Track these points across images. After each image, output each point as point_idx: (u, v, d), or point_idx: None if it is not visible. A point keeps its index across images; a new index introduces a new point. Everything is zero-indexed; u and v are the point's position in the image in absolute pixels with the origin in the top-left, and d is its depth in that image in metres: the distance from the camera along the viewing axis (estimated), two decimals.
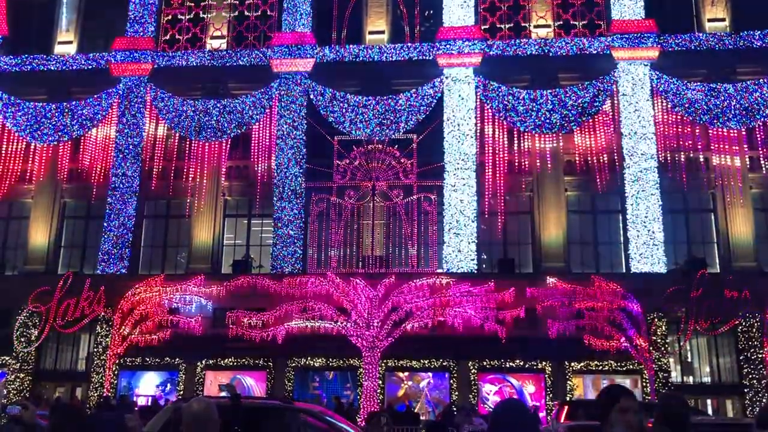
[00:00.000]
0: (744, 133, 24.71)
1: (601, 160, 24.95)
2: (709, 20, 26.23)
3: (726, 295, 21.74)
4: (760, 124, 24.64)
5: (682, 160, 24.72)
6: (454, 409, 21.87)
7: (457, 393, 22.81)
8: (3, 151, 27.10)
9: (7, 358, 24.41)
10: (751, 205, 24.59)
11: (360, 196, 25.61)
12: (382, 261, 24.91)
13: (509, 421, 3.42)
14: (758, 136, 24.82)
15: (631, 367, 22.52)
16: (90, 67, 27.51)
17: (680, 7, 26.75)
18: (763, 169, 24.56)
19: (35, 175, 27.13)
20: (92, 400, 22.76)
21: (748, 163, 24.83)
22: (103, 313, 23.91)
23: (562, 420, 16.65)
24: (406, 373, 23.68)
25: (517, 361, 22.94)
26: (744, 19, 25.77)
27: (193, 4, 28.37)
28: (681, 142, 24.85)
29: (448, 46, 25.89)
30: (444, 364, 23.24)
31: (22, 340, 24.31)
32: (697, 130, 24.91)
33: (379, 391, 22.72)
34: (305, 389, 23.76)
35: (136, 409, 19.42)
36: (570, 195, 25.55)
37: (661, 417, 4.42)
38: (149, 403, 22.67)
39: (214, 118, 25.98)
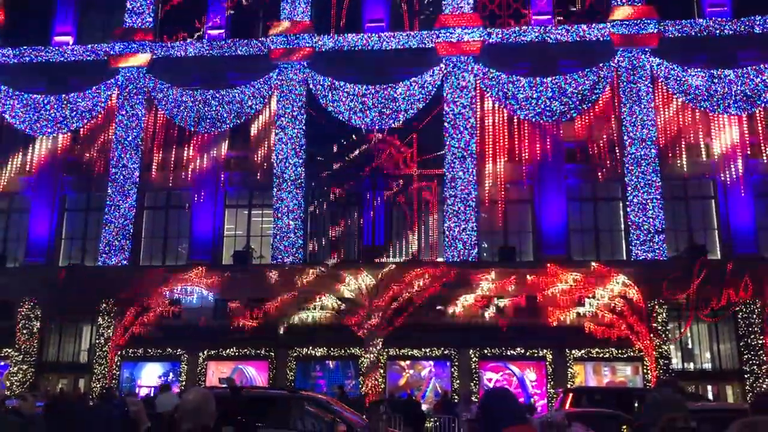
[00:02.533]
0: (745, 119, 24.63)
1: (602, 148, 24.89)
2: (710, 5, 26.06)
3: (727, 281, 21.76)
4: (761, 110, 24.55)
5: (683, 146, 24.65)
6: (456, 397, 21.98)
7: (458, 381, 22.89)
8: (2, 144, 27.08)
9: (9, 350, 24.50)
10: (752, 191, 24.55)
11: (360, 185, 25.57)
12: (383, 250, 24.94)
13: (496, 407, 3.50)
14: (759, 122, 24.73)
15: (631, 354, 22.58)
16: (89, 58, 27.40)
17: None
18: (764, 155, 24.48)
19: (35, 168, 27.15)
20: (95, 391, 22.86)
21: (749, 149, 24.74)
22: (104, 305, 23.98)
23: (567, 407, 16.71)
24: (408, 362, 23.76)
25: (518, 349, 23.00)
26: (745, 4, 25.58)
27: None
28: (681, 129, 24.77)
29: (447, 34, 25.77)
30: (445, 352, 23.31)
31: (24, 332, 24.40)
32: (698, 117, 24.83)
33: (380, 379, 22.81)
34: (307, 379, 23.86)
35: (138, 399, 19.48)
36: (570, 182, 25.51)
37: (654, 402, 4.43)
38: (152, 394, 22.76)
39: (213, 109, 25.92)
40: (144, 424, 4.79)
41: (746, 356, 22.44)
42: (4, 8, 28.53)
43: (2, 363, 24.78)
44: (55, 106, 26.66)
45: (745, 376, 22.31)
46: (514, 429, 3.43)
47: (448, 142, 25.03)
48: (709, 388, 23.37)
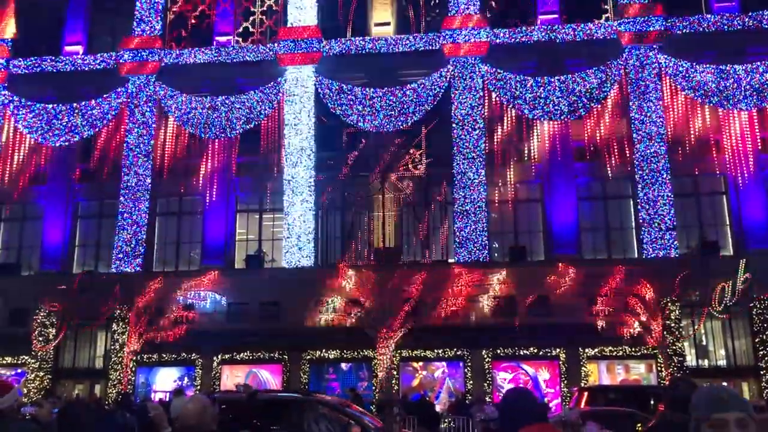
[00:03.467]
0: (755, 113, 24.52)
1: (611, 146, 24.85)
2: (718, 0, 25.96)
3: (739, 277, 21.66)
4: None
5: (693, 142, 24.58)
6: (469, 397, 21.97)
7: (471, 382, 22.90)
8: (16, 153, 27.43)
9: (26, 358, 24.75)
10: (764, 186, 24.41)
11: (370, 187, 25.65)
12: (394, 252, 24.98)
13: (516, 407, 3.50)
14: None
15: (645, 352, 22.50)
16: (98, 67, 27.68)
17: None
18: None
19: (48, 176, 27.44)
20: (110, 397, 23.04)
21: (759, 144, 24.63)
22: (118, 311, 24.17)
23: (582, 406, 16.69)
24: (421, 363, 23.79)
25: (531, 348, 22.98)
26: None
27: (198, 1, 28.43)
28: (691, 125, 24.69)
29: (453, 35, 25.80)
30: (458, 353, 23.32)
31: (40, 339, 24.62)
32: (707, 113, 24.74)
33: (394, 381, 22.84)
34: (320, 381, 23.94)
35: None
36: (580, 181, 25.47)
37: (671, 401, 4.45)
38: (167, 399, 22.92)
39: (223, 114, 26.09)
40: (165, 429, 4.83)
41: (762, 352, 22.29)
42: (16, 20, 28.81)
43: (19, 370, 25.01)
44: (66, 114, 26.92)
45: (761, 372, 22.17)
46: (534, 428, 3.44)
47: (456, 144, 25.06)
48: (724, 385, 23.21)
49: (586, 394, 17.66)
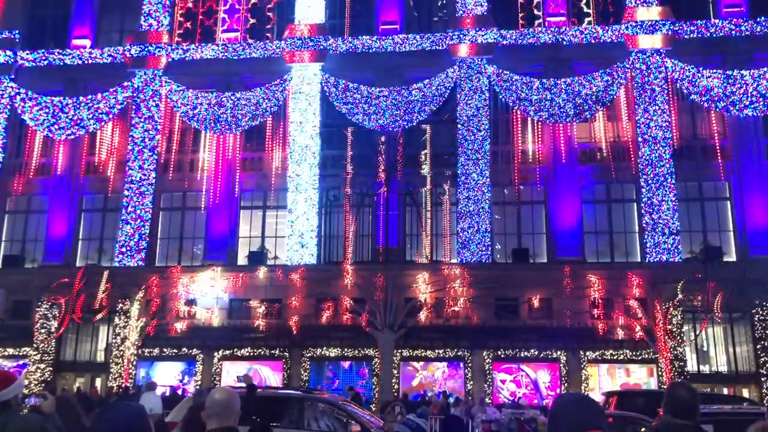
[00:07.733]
0: (761, 119, 24.47)
1: (616, 149, 24.82)
2: (725, 6, 25.90)
3: (742, 283, 21.59)
4: None
5: (698, 147, 24.52)
6: (470, 398, 21.96)
7: (471, 382, 22.89)
8: (21, 146, 27.50)
9: (28, 350, 24.81)
10: None
11: (373, 186, 25.65)
12: (396, 251, 24.98)
13: (572, 412, 3.23)
14: None
15: (646, 356, 22.47)
16: (105, 61, 27.74)
17: None
18: None
19: (53, 169, 27.50)
20: (111, 390, 23.08)
21: (764, 150, 24.57)
22: (121, 305, 24.23)
23: (611, 410, 16.56)
24: (421, 363, 23.79)
25: (532, 350, 22.96)
26: (761, 4, 25.40)
27: None
28: (696, 130, 24.64)
29: (461, 35, 25.79)
30: (458, 353, 23.32)
31: (42, 331, 24.68)
32: (713, 117, 24.70)
33: (394, 380, 22.84)
34: (321, 379, 23.96)
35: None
36: (584, 184, 25.44)
37: (669, 406, 4.43)
38: (167, 393, 22.94)
39: (229, 111, 26.12)
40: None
41: (763, 359, 22.24)
42: (23, 13, 28.89)
43: (21, 362, 25.09)
44: (73, 108, 26.97)
45: (762, 378, 22.12)
46: None
47: (461, 144, 25.05)
48: (725, 390, 23.18)
49: (614, 398, 17.50)
